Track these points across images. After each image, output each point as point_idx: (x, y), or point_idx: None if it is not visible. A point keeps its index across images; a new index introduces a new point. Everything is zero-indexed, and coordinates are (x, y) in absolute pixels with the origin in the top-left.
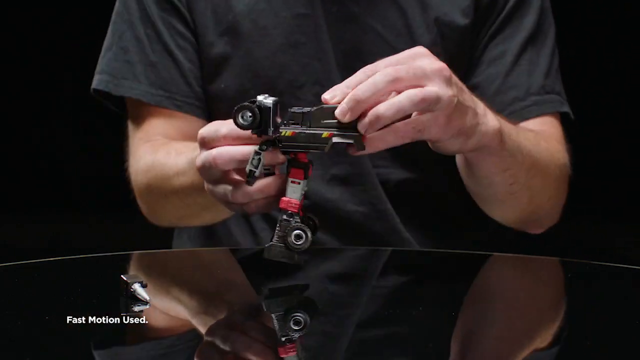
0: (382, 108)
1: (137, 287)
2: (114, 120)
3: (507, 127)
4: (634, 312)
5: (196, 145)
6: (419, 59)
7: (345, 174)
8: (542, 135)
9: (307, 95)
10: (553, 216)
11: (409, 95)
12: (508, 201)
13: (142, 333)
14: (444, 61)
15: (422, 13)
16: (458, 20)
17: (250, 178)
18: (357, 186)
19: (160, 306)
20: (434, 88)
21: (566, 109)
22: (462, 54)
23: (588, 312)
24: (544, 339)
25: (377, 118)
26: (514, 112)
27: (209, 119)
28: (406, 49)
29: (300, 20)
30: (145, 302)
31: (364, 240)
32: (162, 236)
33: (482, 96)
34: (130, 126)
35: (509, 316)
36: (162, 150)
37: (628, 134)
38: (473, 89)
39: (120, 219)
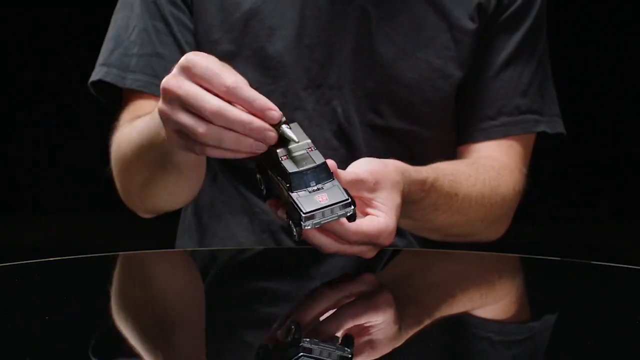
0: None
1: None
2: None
3: (423, 195)
4: (633, 312)
5: None
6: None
7: None
8: (496, 177)
9: (314, 95)
10: (488, 238)
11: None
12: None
13: (142, 333)
14: (457, 66)
15: (434, 16)
16: (468, 24)
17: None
18: None
19: (159, 307)
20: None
21: (542, 128)
22: (470, 58)
23: (588, 312)
24: (543, 339)
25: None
26: (483, 130)
27: None
28: (414, 50)
29: (308, 20)
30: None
31: None
32: (163, 236)
33: (458, 104)
34: (123, 114)
35: (507, 315)
36: (135, 118)
37: (628, 134)
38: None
39: (121, 220)
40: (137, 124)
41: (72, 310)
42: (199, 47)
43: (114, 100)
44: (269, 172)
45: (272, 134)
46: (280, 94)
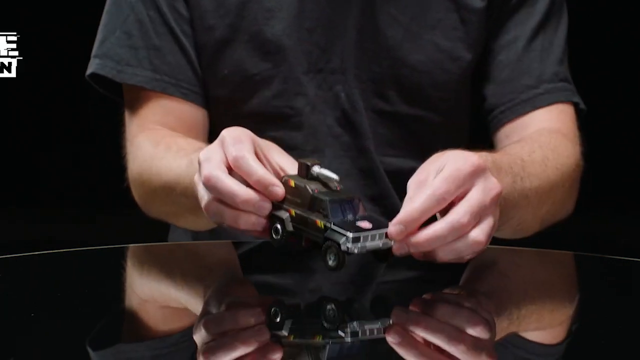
0: (440, 254)
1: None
2: (105, 108)
3: (511, 185)
4: None
5: (198, 146)
6: (481, 190)
7: (347, 168)
8: (551, 140)
9: (315, 80)
10: (569, 211)
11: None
12: (520, 233)
13: (140, 330)
14: (466, 47)
15: None
16: (476, 3)
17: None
18: (360, 181)
19: (158, 301)
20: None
21: (577, 99)
22: (481, 39)
23: (601, 307)
24: (556, 334)
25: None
26: (526, 100)
27: (208, 107)
28: (421, 32)
29: (307, 2)
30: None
31: None
32: (157, 229)
33: (494, 84)
34: (127, 112)
35: (520, 311)
36: (164, 144)
37: None
38: (484, 78)
39: (113, 212)
40: (167, 159)
41: (64, 306)
42: (195, 36)
43: (112, 89)
44: (294, 211)
45: (267, 205)
46: (280, 79)
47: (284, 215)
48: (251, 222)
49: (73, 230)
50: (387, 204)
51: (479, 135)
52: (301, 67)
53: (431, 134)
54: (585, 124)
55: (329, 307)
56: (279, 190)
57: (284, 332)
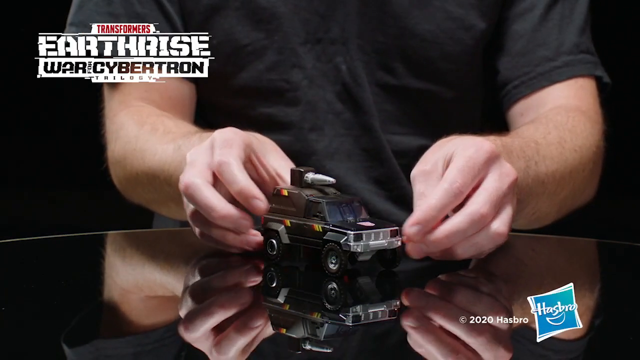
0: (460, 251)
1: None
2: (82, 90)
3: (525, 170)
4: None
5: (187, 130)
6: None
7: (350, 148)
8: (568, 120)
9: (314, 51)
10: (589, 196)
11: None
12: (536, 223)
13: (121, 324)
14: (480, 15)
15: None
16: None
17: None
18: (365, 162)
19: (142, 291)
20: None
21: (600, 72)
22: (496, 6)
23: (626, 299)
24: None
25: (442, 250)
26: (542, 74)
27: (195, 80)
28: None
29: None
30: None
31: None
32: (140, 215)
33: (508, 56)
34: (107, 87)
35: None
36: (149, 124)
37: None
38: (497, 49)
39: (90, 196)
40: (152, 142)
41: (40, 296)
42: (181, 2)
43: None
44: (289, 221)
45: (246, 223)
46: (274, 50)
47: (279, 227)
48: (239, 240)
49: (44, 214)
50: (394, 187)
51: (492, 113)
52: (298, 37)
53: (442, 110)
54: (610, 99)
55: (330, 287)
56: (261, 204)
57: (280, 300)
